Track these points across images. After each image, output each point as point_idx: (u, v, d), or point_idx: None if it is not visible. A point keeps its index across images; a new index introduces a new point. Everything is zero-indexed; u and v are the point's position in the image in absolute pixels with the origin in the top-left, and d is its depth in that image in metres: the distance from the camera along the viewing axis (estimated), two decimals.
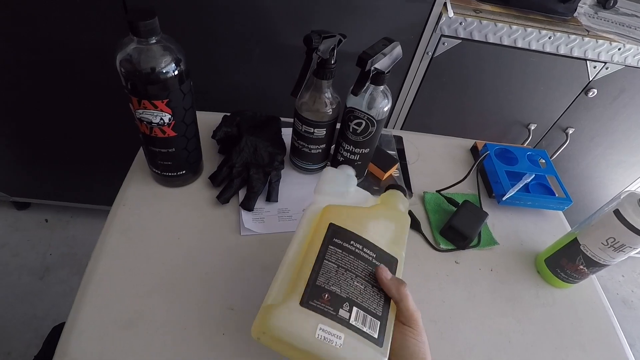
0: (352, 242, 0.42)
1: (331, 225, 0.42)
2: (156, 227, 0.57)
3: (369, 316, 0.38)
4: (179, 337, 0.47)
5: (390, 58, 0.53)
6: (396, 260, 0.43)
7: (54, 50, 0.89)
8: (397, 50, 0.53)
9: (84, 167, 1.22)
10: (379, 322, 0.39)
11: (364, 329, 0.37)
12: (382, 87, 0.56)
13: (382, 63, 0.51)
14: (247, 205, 0.60)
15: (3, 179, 1.29)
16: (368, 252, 0.42)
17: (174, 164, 0.58)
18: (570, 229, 0.63)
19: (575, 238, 0.56)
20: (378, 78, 0.54)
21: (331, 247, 0.41)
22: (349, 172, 0.50)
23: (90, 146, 1.14)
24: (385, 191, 0.51)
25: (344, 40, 0.55)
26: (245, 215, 0.60)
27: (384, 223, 0.46)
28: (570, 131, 1.11)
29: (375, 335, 0.38)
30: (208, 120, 0.69)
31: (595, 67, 0.96)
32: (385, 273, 0.40)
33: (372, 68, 0.51)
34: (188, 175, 0.61)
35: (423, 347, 0.38)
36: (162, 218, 0.59)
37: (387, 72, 0.54)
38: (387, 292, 0.40)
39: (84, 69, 0.92)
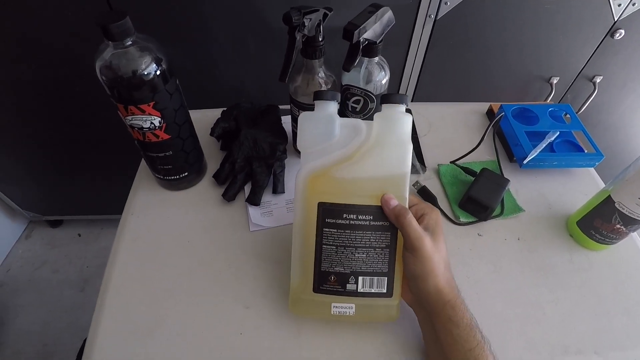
0: (344, 216, 0.42)
1: (320, 205, 0.42)
2: (166, 233, 0.57)
3: (376, 277, 0.43)
4: (198, 340, 0.47)
5: (381, 25, 0.49)
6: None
7: (65, 67, 0.90)
8: (388, 16, 0.50)
9: (109, 181, 1.25)
10: (386, 278, 0.43)
11: (372, 290, 0.43)
12: (376, 59, 0.52)
13: (371, 32, 0.48)
14: (253, 200, 0.58)
15: (34, 200, 1.35)
16: (363, 217, 0.42)
17: (174, 167, 0.57)
18: (603, 185, 0.58)
19: (609, 195, 0.51)
20: (370, 49, 0.50)
21: (325, 229, 0.43)
22: (327, 111, 0.43)
23: (112, 158, 1.16)
24: (381, 103, 0.44)
25: (331, 14, 0.51)
26: (253, 211, 0.59)
27: (378, 155, 0.43)
28: (598, 80, 1.02)
29: (384, 290, 0.43)
30: (209, 118, 0.68)
31: (620, 5, 0.87)
32: (388, 203, 0.42)
33: (362, 39, 0.47)
34: (191, 176, 0.60)
35: (424, 271, 0.40)
36: (171, 223, 0.58)
37: (379, 42, 0.50)
38: (390, 220, 0.42)
39: (95, 81, 0.92)
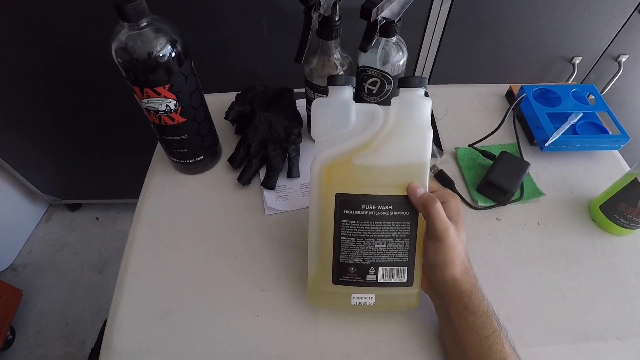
0: (363, 207, 0.41)
1: (338, 196, 0.41)
2: (182, 216, 0.58)
3: (396, 267, 0.42)
4: (215, 322, 0.48)
5: (399, 4, 0.47)
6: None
7: (80, 53, 0.90)
8: None
9: (125, 166, 1.26)
10: (406, 268, 0.42)
11: (393, 280, 0.42)
12: (394, 39, 0.51)
13: (389, 11, 0.46)
14: (268, 184, 0.58)
15: (54, 184, 1.38)
16: (383, 207, 0.41)
17: (190, 150, 0.57)
18: (628, 169, 0.56)
19: (635, 179, 0.50)
20: (388, 29, 0.49)
21: (344, 221, 0.41)
22: (341, 96, 0.42)
23: (128, 144, 1.17)
24: (399, 87, 0.42)
25: None
26: (268, 195, 0.59)
27: (397, 143, 0.41)
28: (623, 59, 0.98)
29: (405, 279, 0.42)
30: (224, 102, 0.67)
31: None
32: (414, 192, 0.40)
33: (379, 18, 0.46)
34: (206, 160, 0.60)
35: (445, 260, 0.39)
36: (186, 206, 0.59)
37: (397, 21, 0.48)
38: (417, 209, 0.41)
39: (110, 66, 0.93)
